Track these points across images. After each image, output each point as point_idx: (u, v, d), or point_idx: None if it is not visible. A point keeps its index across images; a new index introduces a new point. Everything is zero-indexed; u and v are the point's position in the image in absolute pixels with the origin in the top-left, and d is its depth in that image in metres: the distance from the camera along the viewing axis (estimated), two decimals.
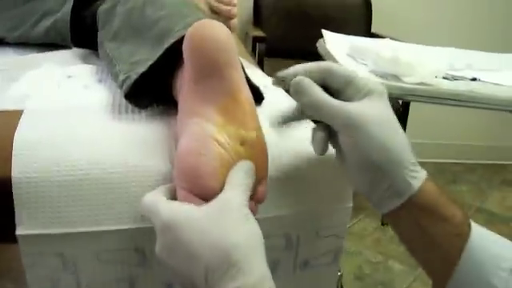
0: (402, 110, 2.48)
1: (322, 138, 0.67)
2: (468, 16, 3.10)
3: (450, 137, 3.41)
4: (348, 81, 0.65)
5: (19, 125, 0.72)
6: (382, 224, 2.55)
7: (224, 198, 0.59)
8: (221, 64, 0.64)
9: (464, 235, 0.62)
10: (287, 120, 0.72)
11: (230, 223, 0.56)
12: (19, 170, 0.66)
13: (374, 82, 0.66)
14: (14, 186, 0.66)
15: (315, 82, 0.65)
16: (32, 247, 0.67)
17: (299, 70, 0.66)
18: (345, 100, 0.65)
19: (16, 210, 0.66)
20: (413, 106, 2.50)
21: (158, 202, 0.60)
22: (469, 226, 0.63)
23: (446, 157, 3.44)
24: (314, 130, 0.69)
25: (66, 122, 0.74)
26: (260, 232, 0.57)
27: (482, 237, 0.63)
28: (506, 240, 0.64)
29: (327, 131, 0.67)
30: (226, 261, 0.53)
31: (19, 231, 0.66)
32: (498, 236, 0.64)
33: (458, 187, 3.15)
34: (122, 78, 0.78)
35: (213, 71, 0.64)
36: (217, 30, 0.64)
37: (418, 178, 0.63)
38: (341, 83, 0.66)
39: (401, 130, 0.65)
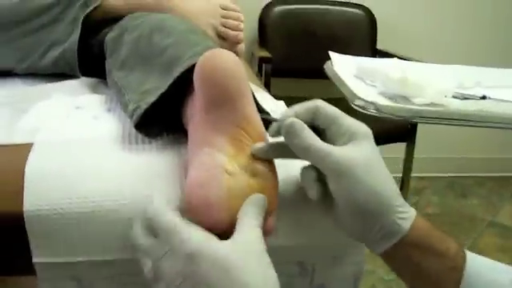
0: (410, 127, 2.47)
1: (312, 177, 0.67)
2: (473, 30, 3.09)
3: (459, 150, 3.39)
4: (332, 121, 0.65)
5: (29, 158, 0.72)
6: None
7: (246, 239, 0.58)
8: (232, 94, 0.64)
9: (459, 267, 0.63)
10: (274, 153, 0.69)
11: (253, 268, 0.55)
12: (31, 203, 0.66)
13: (358, 124, 0.65)
14: (26, 219, 0.66)
15: (305, 122, 0.64)
16: (48, 273, 0.67)
17: (289, 113, 0.66)
18: (330, 140, 0.65)
19: (30, 240, 0.66)
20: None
21: (185, 226, 0.59)
22: (463, 257, 0.63)
23: (455, 171, 3.41)
24: (305, 169, 0.68)
25: (76, 153, 0.74)
26: (277, 279, 0.57)
27: (477, 265, 0.63)
28: (501, 265, 0.64)
29: (317, 173, 0.67)
30: None
31: (35, 259, 0.67)
32: (492, 261, 0.65)
33: (469, 201, 3.13)
34: (131, 107, 0.78)
35: (224, 101, 0.63)
36: (227, 59, 0.64)
37: (408, 218, 0.64)
38: (326, 123, 0.66)
39: (387, 171, 0.64)
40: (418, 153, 2.55)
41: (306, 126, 0.63)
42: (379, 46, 2.85)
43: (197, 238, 0.57)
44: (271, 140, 0.67)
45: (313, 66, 1.70)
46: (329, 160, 0.62)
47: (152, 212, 0.61)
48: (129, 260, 0.67)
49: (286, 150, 0.65)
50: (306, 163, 0.67)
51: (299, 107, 0.66)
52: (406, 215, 0.63)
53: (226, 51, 0.65)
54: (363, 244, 0.70)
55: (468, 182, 3.38)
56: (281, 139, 0.65)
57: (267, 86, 2.34)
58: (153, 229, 0.61)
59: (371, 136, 0.65)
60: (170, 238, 0.58)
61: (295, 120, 0.63)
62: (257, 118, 0.67)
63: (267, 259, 0.57)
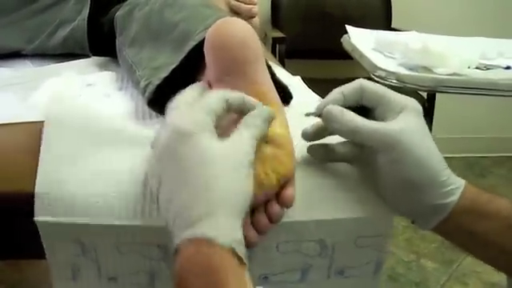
0: (427, 106, 2.43)
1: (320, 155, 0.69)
2: (493, 2, 3.03)
3: (477, 130, 3.35)
4: (380, 99, 0.66)
5: (43, 138, 0.70)
6: (413, 222, 2.50)
7: (235, 148, 0.57)
8: (245, 61, 0.63)
9: None
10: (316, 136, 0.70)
11: (227, 174, 0.54)
12: (42, 183, 0.65)
13: (408, 98, 0.66)
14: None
15: (351, 102, 0.66)
16: (51, 234, 0.66)
17: (337, 94, 0.66)
18: (380, 117, 0.66)
19: (36, 197, 0.64)
20: (438, 101, 2.45)
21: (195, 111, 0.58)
22: None
23: (473, 151, 3.38)
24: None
25: (87, 132, 0.72)
26: (249, 194, 0.55)
27: None
28: None
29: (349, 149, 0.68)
30: (199, 205, 0.52)
31: (37, 217, 0.65)
32: None
33: (487, 181, 3.09)
34: (143, 83, 0.76)
35: (236, 68, 0.63)
36: (239, 26, 0.63)
37: (456, 188, 0.64)
38: (374, 101, 0.66)
39: (434, 145, 0.65)
40: (435, 133, 2.49)
41: (344, 109, 0.64)
42: (394, 24, 2.80)
43: (197, 124, 0.57)
44: (287, 109, 0.67)
45: (327, 46, 1.68)
46: (376, 135, 0.63)
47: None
48: (134, 226, 0.65)
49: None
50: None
51: (347, 86, 0.66)
52: (455, 186, 0.64)
53: (238, 19, 0.64)
54: (388, 227, 0.72)
55: (487, 162, 3.34)
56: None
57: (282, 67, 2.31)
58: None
59: (419, 110, 0.66)
60: (176, 113, 0.59)
61: (331, 107, 0.64)
62: (270, 86, 0.66)
63: (247, 171, 0.56)
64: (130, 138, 0.71)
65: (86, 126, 0.73)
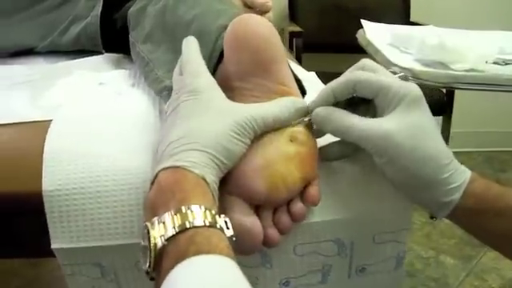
0: (446, 100, 2.40)
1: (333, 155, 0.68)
2: None
3: (497, 124, 3.30)
4: (376, 91, 0.62)
5: (48, 135, 0.69)
6: (432, 217, 2.48)
7: (241, 106, 0.60)
8: (267, 59, 0.62)
9: None
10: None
11: (212, 120, 0.57)
12: (50, 182, 0.64)
13: (408, 86, 0.62)
14: (45, 199, 0.64)
15: (343, 98, 0.63)
16: (69, 258, 0.65)
17: (325, 93, 0.64)
18: (379, 109, 0.62)
19: (49, 223, 0.64)
20: (457, 95, 2.42)
21: (201, 73, 0.62)
22: None
23: (493, 145, 3.33)
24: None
25: (98, 130, 0.72)
26: (227, 140, 0.56)
27: None
28: None
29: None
30: (179, 142, 0.55)
31: (54, 245, 0.64)
32: None
33: (507, 175, 3.05)
34: (164, 84, 0.76)
35: (259, 67, 0.62)
36: (260, 23, 0.63)
37: (458, 186, 0.62)
38: (369, 94, 0.62)
39: (435, 138, 0.62)
40: (454, 127, 2.49)
41: (332, 109, 0.62)
42: (413, 18, 2.77)
43: (206, 84, 0.61)
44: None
45: (345, 39, 1.66)
46: (366, 137, 0.60)
47: (184, 56, 0.65)
48: None
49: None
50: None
51: (337, 84, 0.63)
52: (457, 184, 0.61)
53: (256, 16, 0.64)
54: (406, 222, 0.70)
55: (506, 157, 3.30)
56: None
57: (298, 61, 2.30)
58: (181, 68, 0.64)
59: (420, 99, 0.62)
60: (188, 76, 0.62)
61: (318, 110, 0.63)
62: (293, 84, 0.66)
63: (236, 129, 0.57)
64: (139, 140, 0.70)
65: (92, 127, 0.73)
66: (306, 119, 0.63)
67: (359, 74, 0.63)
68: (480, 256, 2.21)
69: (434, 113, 1.98)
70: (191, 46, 0.66)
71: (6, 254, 0.81)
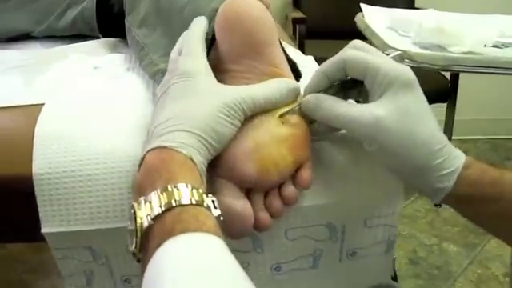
0: (450, 86, 2.38)
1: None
2: None
3: (502, 112, 3.29)
4: (365, 71, 0.60)
5: (39, 119, 0.69)
6: (436, 205, 2.48)
7: (230, 88, 0.59)
8: (259, 40, 0.62)
9: None
10: None
11: (200, 102, 0.57)
12: (40, 165, 0.64)
13: (399, 68, 0.60)
14: (35, 182, 0.63)
15: (337, 79, 0.63)
16: (60, 243, 0.65)
17: (318, 76, 0.63)
18: (370, 92, 0.61)
19: (39, 207, 0.64)
20: (462, 82, 2.40)
21: (197, 55, 0.61)
22: None
23: (498, 133, 3.32)
24: None
25: (90, 113, 0.72)
26: (214, 119, 0.56)
27: None
28: None
29: None
30: (166, 123, 0.55)
31: (44, 229, 0.64)
32: None
33: None
34: (162, 67, 0.75)
35: (251, 49, 0.62)
36: (250, 4, 0.62)
37: (450, 173, 0.60)
38: (359, 74, 0.61)
39: (429, 120, 0.60)
40: (459, 114, 2.48)
41: (322, 97, 0.62)
42: (417, 4, 2.74)
43: (198, 67, 0.60)
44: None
45: (348, 26, 1.64)
46: (355, 125, 0.59)
47: (184, 36, 0.65)
48: None
49: None
50: None
51: (328, 65, 0.62)
52: (450, 169, 0.60)
53: None
54: (396, 206, 0.70)
55: (511, 145, 3.27)
56: None
57: (301, 48, 2.30)
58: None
59: (412, 82, 0.60)
60: (182, 58, 0.61)
61: (308, 97, 0.62)
62: (285, 66, 0.65)
63: (224, 109, 0.56)
64: (133, 124, 0.70)
65: (85, 109, 0.72)
66: (296, 105, 0.62)
67: (348, 53, 0.62)
68: (483, 244, 2.20)
69: (439, 100, 1.99)
70: (195, 28, 0.65)
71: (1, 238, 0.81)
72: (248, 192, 0.60)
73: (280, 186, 0.62)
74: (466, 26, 1.10)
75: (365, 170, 0.68)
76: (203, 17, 0.67)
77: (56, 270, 0.69)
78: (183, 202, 0.47)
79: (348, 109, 0.60)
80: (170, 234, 0.44)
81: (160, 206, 0.47)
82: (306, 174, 0.62)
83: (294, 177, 0.62)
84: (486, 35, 1.08)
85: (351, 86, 0.63)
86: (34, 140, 0.65)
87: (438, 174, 0.60)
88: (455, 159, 0.61)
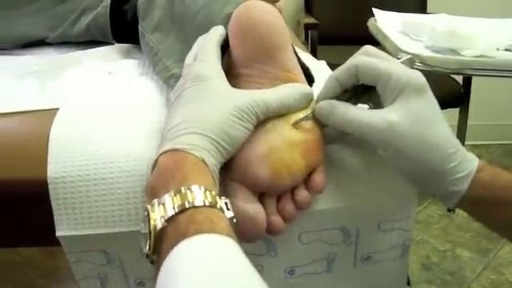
0: (463, 91, 2.38)
1: None
2: None
3: None
4: (377, 77, 0.61)
5: (54, 123, 0.69)
6: (449, 210, 2.45)
7: (244, 93, 0.60)
8: (272, 45, 0.62)
9: None
10: None
11: (213, 106, 0.57)
12: (55, 169, 0.64)
13: (410, 73, 0.60)
14: (50, 186, 0.64)
15: (349, 85, 0.63)
16: (74, 246, 0.66)
17: (331, 83, 0.64)
18: (382, 98, 0.61)
19: (54, 211, 0.64)
20: (475, 87, 2.39)
21: (212, 62, 0.62)
22: None
23: (511, 138, 3.29)
24: None
25: (104, 118, 0.72)
26: (227, 124, 0.56)
27: None
28: None
29: None
30: (178, 127, 0.55)
31: (59, 233, 0.64)
32: None
33: None
34: (175, 72, 0.76)
35: (264, 53, 0.62)
36: (264, 9, 0.62)
37: (465, 176, 0.61)
38: (371, 80, 0.61)
39: (441, 125, 0.61)
40: (472, 119, 2.46)
41: (334, 103, 0.62)
42: (430, 9, 2.74)
43: (211, 72, 0.60)
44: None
45: (361, 32, 1.64)
46: (367, 130, 0.60)
47: (200, 42, 0.66)
48: None
49: None
50: None
51: (340, 72, 0.63)
52: (464, 173, 0.60)
53: (261, 2, 0.63)
54: (411, 210, 0.70)
55: None
56: None
57: (314, 53, 2.29)
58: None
59: (423, 87, 0.60)
60: (196, 63, 0.62)
61: (321, 104, 0.62)
62: (299, 71, 0.65)
63: (237, 113, 0.57)
64: (147, 128, 0.70)
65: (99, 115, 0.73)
66: (310, 113, 0.63)
67: (359, 59, 0.62)
68: (497, 249, 2.19)
69: (451, 105, 1.98)
70: (212, 34, 0.66)
71: (15, 242, 0.81)
72: (261, 196, 0.60)
73: (293, 190, 0.62)
74: (478, 29, 1.10)
75: (378, 173, 0.68)
76: (221, 26, 0.67)
77: (69, 276, 0.69)
78: (196, 204, 0.47)
79: (361, 115, 0.60)
80: (183, 235, 0.44)
81: (173, 208, 0.47)
82: (318, 178, 0.62)
83: (306, 181, 0.62)
84: (499, 39, 1.08)
85: (362, 91, 0.64)
86: (49, 144, 0.66)
87: (452, 177, 0.60)
88: (469, 162, 0.61)
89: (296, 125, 0.61)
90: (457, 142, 0.61)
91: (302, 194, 0.61)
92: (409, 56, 0.67)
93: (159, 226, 0.47)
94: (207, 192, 0.49)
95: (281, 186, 0.60)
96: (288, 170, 0.59)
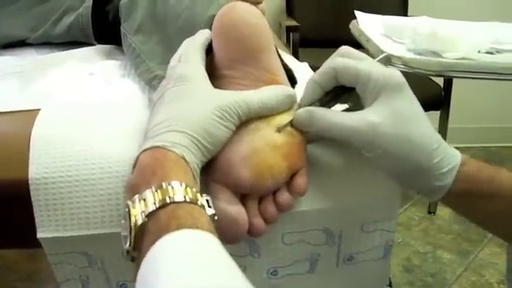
0: (443, 94, 2.39)
1: None
2: None
3: (496, 120, 3.30)
4: (355, 78, 0.60)
5: (36, 124, 0.69)
6: (429, 213, 2.48)
7: (226, 93, 0.60)
8: (255, 46, 0.62)
9: None
10: None
11: (194, 106, 0.57)
12: (37, 170, 0.64)
13: (388, 73, 0.60)
14: (31, 187, 0.63)
15: (330, 87, 0.62)
16: (56, 248, 0.65)
17: (311, 87, 0.63)
18: (362, 100, 0.61)
19: (35, 212, 0.64)
20: (456, 90, 2.41)
21: (196, 64, 0.62)
22: None
23: (493, 141, 3.33)
24: None
25: (86, 118, 0.72)
26: (208, 121, 0.56)
27: None
28: None
29: None
30: (160, 126, 0.55)
31: (40, 234, 0.64)
32: None
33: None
34: (159, 73, 0.76)
35: (247, 55, 0.62)
36: (247, 11, 0.63)
37: (449, 170, 0.61)
38: (349, 81, 0.61)
39: (422, 121, 0.61)
40: (452, 122, 2.48)
41: (312, 110, 0.61)
42: (411, 12, 2.76)
43: (194, 72, 0.60)
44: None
45: (342, 35, 1.65)
46: (348, 134, 0.60)
47: (185, 44, 0.66)
48: None
49: None
50: None
51: (319, 75, 0.63)
52: (447, 168, 0.61)
53: (244, 3, 0.63)
54: (394, 211, 0.70)
55: (505, 152, 3.30)
56: None
57: (295, 56, 2.29)
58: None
59: (402, 85, 0.61)
60: (180, 64, 0.62)
61: (299, 112, 0.62)
62: (281, 72, 0.65)
63: (218, 113, 0.57)
64: (127, 128, 0.70)
65: (81, 114, 0.72)
66: (292, 118, 0.62)
67: (337, 61, 0.62)
68: (477, 251, 2.21)
69: (432, 107, 2.00)
70: (198, 37, 0.66)
71: None
72: (242, 198, 0.60)
73: (275, 192, 0.62)
74: (459, 32, 1.11)
75: (361, 174, 0.68)
76: (207, 30, 0.67)
77: (50, 279, 0.69)
78: (177, 200, 0.47)
79: (342, 118, 0.60)
80: (165, 230, 0.44)
81: (154, 203, 0.47)
82: (301, 180, 0.62)
83: (289, 183, 0.62)
84: (480, 41, 1.09)
85: (342, 92, 0.64)
86: (31, 145, 0.65)
87: (436, 172, 0.61)
88: (453, 157, 0.62)
89: (279, 131, 0.61)
90: (439, 137, 0.62)
91: (284, 196, 0.61)
92: (385, 54, 0.67)
93: (140, 221, 0.47)
94: (188, 188, 0.49)
95: (263, 188, 0.60)
96: (270, 171, 0.59)
